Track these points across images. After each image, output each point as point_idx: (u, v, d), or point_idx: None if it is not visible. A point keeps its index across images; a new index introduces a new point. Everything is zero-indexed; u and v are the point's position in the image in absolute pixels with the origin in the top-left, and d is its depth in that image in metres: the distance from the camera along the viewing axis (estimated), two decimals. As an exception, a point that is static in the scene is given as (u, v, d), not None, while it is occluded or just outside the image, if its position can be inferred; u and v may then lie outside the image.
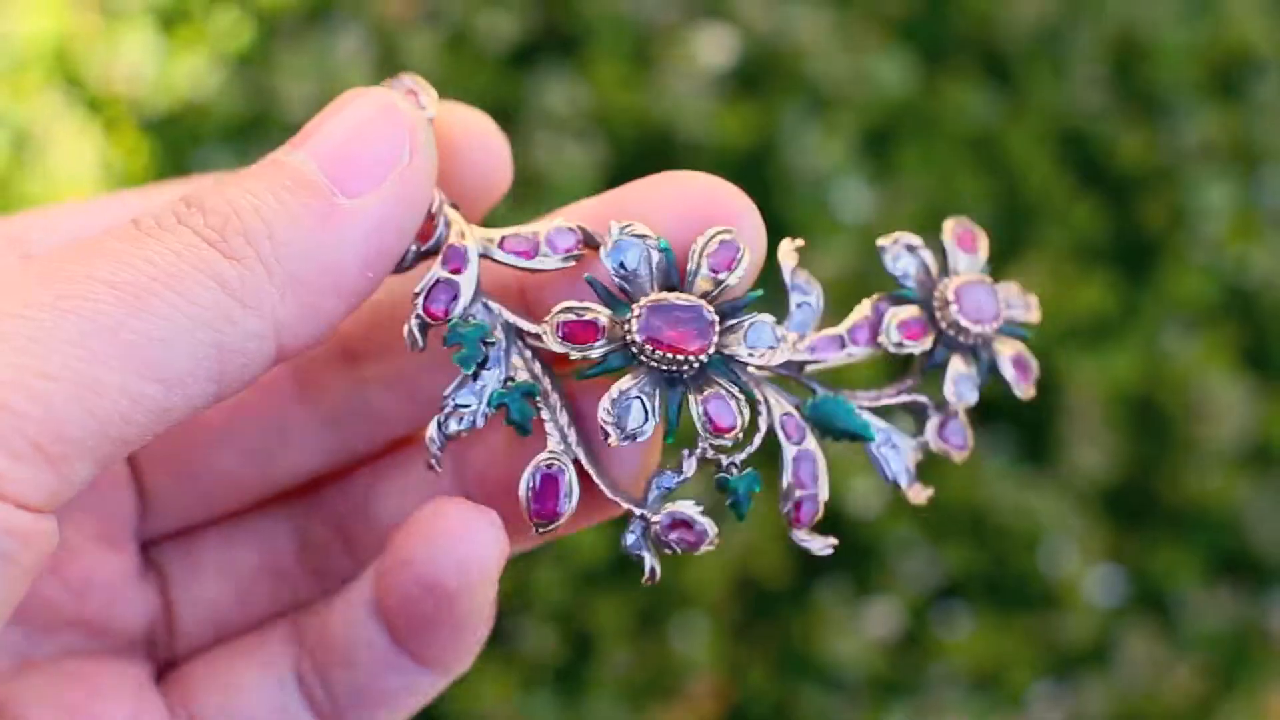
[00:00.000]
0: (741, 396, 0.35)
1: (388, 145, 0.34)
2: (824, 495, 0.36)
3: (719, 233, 0.35)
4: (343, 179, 0.34)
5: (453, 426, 0.35)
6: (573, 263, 0.36)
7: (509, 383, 0.36)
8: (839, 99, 1.16)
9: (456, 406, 0.36)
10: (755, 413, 0.36)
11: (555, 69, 1.16)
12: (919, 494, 0.37)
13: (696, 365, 0.35)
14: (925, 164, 1.16)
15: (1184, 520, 1.09)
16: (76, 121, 1.15)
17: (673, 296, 0.35)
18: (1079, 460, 1.07)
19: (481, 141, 0.38)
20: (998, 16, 1.21)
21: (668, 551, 0.35)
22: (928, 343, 0.37)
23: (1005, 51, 1.22)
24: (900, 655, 1.03)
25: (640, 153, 1.15)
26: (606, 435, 0.34)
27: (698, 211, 0.35)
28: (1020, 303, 0.38)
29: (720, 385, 0.35)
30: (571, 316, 0.35)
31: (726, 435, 0.34)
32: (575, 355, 0.35)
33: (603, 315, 0.35)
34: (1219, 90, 1.23)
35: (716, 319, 0.35)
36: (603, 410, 0.34)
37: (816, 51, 1.17)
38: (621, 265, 0.35)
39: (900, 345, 0.37)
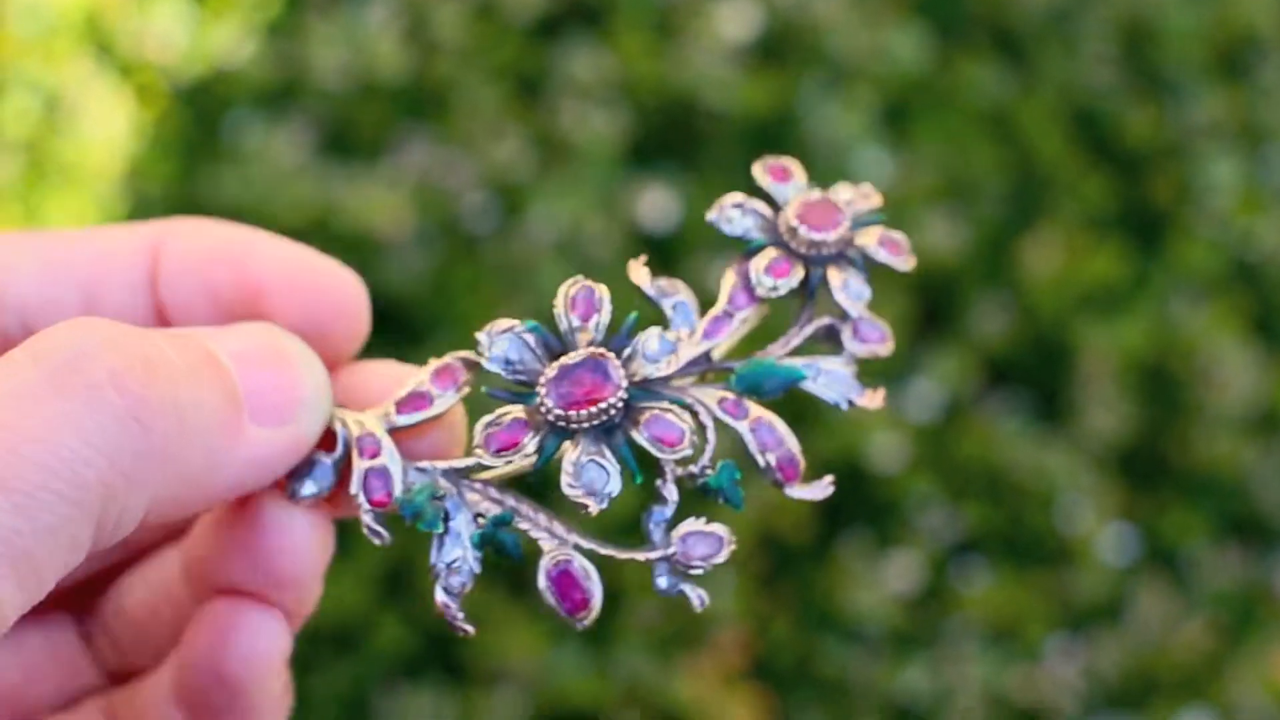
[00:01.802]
0: (675, 407, 0.35)
1: (300, 391, 0.35)
2: (794, 446, 0.36)
3: (568, 287, 0.36)
4: (254, 406, 0.34)
5: (455, 584, 0.36)
6: (467, 389, 0.37)
7: (479, 519, 0.36)
8: (857, 72, 1.18)
9: (449, 566, 0.36)
10: (695, 414, 0.36)
11: (580, 39, 1.18)
12: (872, 399, 0.37)
13: (620, 405, 0.35)
14: (941, 137, 1.18)
15: (1194, 482, 1.11)
16: (108, 87, 1.16)
17: (564, 359, 0.35)
18: (1093, 423, 1.09)
19: (340, 294, 0.38)
20: (1011, -4, 1.24)
21: (696, 573, 0.36)
22: (800, 272, 0.37)
23: (1018, 30, 1.25)
24: (919, 608, 1.05)
25: (664, 121, 1.17)
26: (585, 507, 0.34)
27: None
28: (857, 196, 0.39)
29: (651, 408, 0.35)
30: (494, 428, 0.35)
31: (682, 445, 0.35)
32: (518, 460, 0.35)
33: (518, 411, 0.35)
34: (1225, 71, 1.26)
35: (612, 356, 0.35)
36: (567, 488, 0.34)
37: (835, 26, 1.19)
38: (507, 362, 0.36)
39: (776, 288, 0.37)
